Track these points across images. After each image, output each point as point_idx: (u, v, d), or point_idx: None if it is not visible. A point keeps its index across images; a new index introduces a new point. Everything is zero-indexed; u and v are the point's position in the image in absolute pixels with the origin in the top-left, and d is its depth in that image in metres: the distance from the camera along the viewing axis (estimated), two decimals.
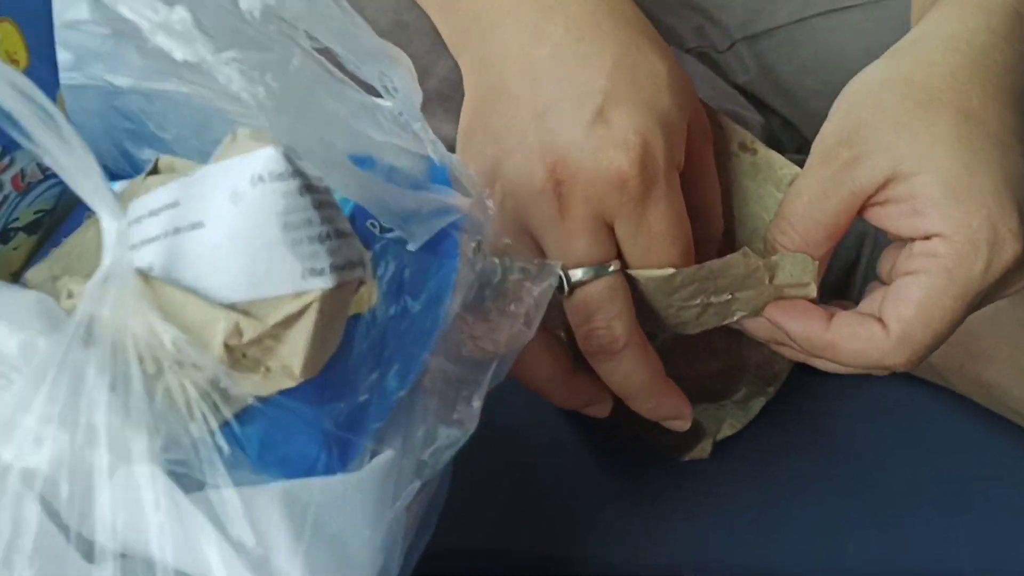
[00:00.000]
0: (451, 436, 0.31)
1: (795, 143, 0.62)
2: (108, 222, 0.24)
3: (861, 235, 0.55)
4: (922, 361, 0.40)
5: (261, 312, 0.26)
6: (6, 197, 0.32)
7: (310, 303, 0.26)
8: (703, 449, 0.52)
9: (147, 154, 0.42)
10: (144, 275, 0.25)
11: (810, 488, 0.52)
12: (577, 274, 0.40)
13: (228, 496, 0.25)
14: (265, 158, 0.26)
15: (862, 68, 0.58)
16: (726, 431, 0.53)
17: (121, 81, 0.36)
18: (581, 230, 0.39)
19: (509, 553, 0.50)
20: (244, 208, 0.26)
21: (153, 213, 0.27)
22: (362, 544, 0.26)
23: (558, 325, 0.49)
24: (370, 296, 0.32)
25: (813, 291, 0.43)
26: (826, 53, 0.60)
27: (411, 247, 0.31)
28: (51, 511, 0.24)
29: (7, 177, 0.32)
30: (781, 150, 0.63)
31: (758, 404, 0.54)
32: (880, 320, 0.40)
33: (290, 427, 0.28)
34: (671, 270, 0.41)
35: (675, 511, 0.51)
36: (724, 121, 0.46)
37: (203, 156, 0.28)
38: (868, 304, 0.42)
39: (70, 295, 0.26)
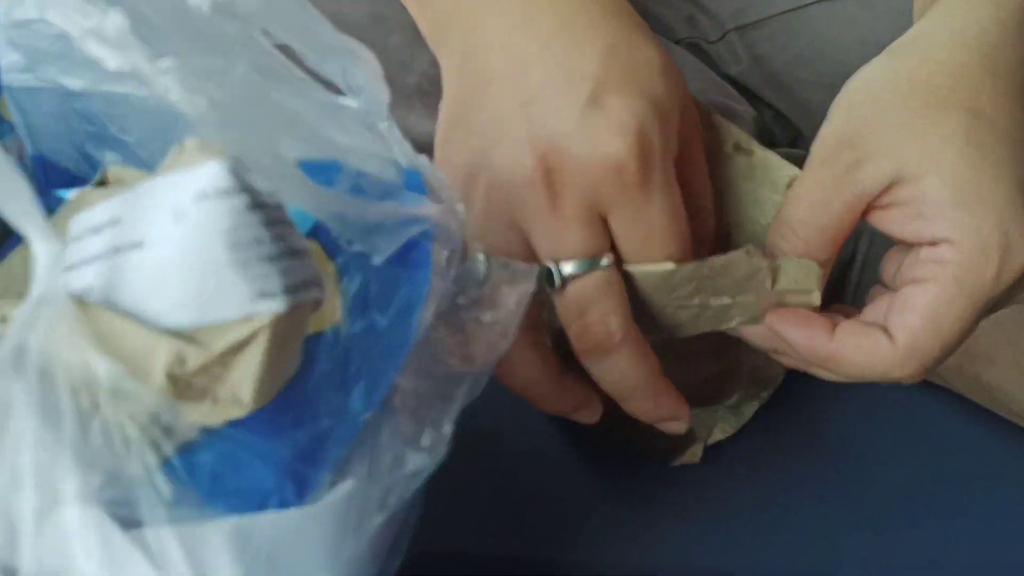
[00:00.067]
0: (420, 462, 0.29)
1: (788, 136, 0.61)
2: (38, 246, 0.22)
3: (857, 231, 0.53)
4: (930, 373, 0.39)
5: (207, 338, 0.24)
6: None
7: (260, 328, 0.25)
8: (694, 453, 0.51)
9: (110, 157, 0.40)
10: (80, 301, 0.23)
11: (804, 492, 0.51)
12: (569, 267, 0.38)
13: (170, 535, 0.23)
14: (209, 173, 0.24)
15: (857, 59, 0.56)
16: (718, 435, 0.52)
17: (74, 83, 0.34)
18: (574, 221, 0.38)
19: (494, 558, 0.49)
20: (188, 227, 0.24)
21: (94, 230, 0.25)
22: None
23: (545, 327, 0.48)
24: (333, 312, 0.30)
25: (816, 298, 0.41)
26: (820, 44, 0.58)
27: (376, 261, 0.29)
28: None
29: None
30: (774, 143, 0.62)
31: (751, 409, 0.53)
32: (886, 330, 0.39)
33: (243, 457, 0.26)
34: (670, 265, 0.39)
35: (665, 516, 0.50)
36: (717, 121, 0.44)
37: None
38: (872, 312, 0.41)
39: (4, 319, 0.25)
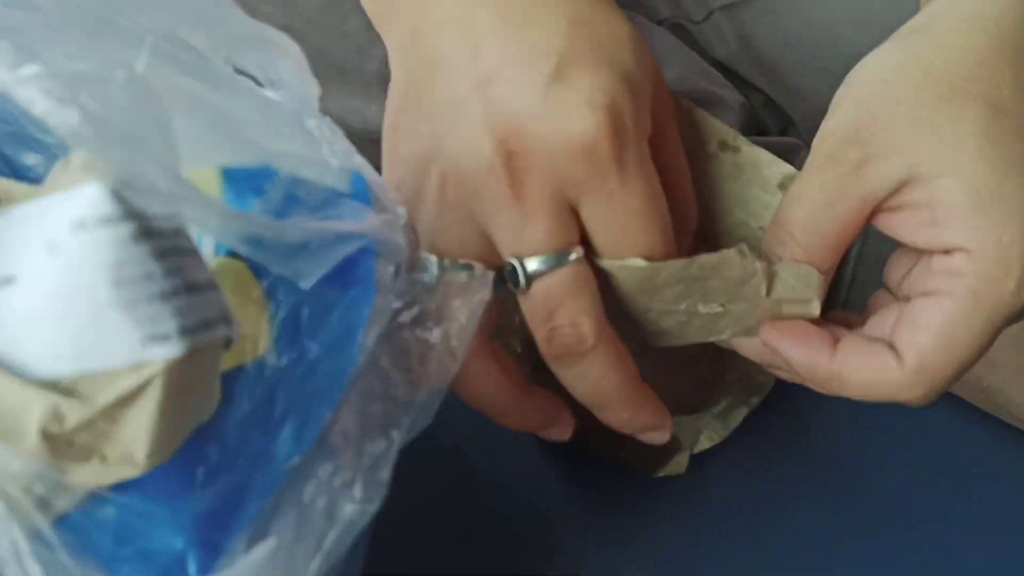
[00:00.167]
0: (357, 511, 0.26)
1: (779, 123, 0.57)
2: None
3: None
4: (940, 395, 0.36)
5: (89, 390, 0.21)
6: None
7: (152, 377, 0.21)
8: (679, 464, 0.48)
9: (31, 159, 0.37)
10: None
11: (797, 502, 0.48)
12: (535, 264, 0.35)
13: None
14: (87, 198, 0.20)
15: (853, 41, 0.53)
16: (704, 444, 0.49)
17: None
18: (539, 211, 0.34)
19: None
20: (63, 261, 0.20)
21: None
22: None
23: (512, 333, 0.44)
24: (257, 343, 0.26)
25: (816, 309, 0.38)
26: (813, 24, 0.54)
27: (303, 286, 0.26)
28: None
29: None
30: (764, 131, 0.59)
31: (739, 415, 0.50)
32: (893, 348, 0.35)
33: (143, 521, 0.23)
34: (656, 263, 0.36)
35: (648, 531, 0.47)
36: (699, 116, 0.41)
37: None
38: (878, 325, 0.37)
39: None
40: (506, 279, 0.35)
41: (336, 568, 0.27)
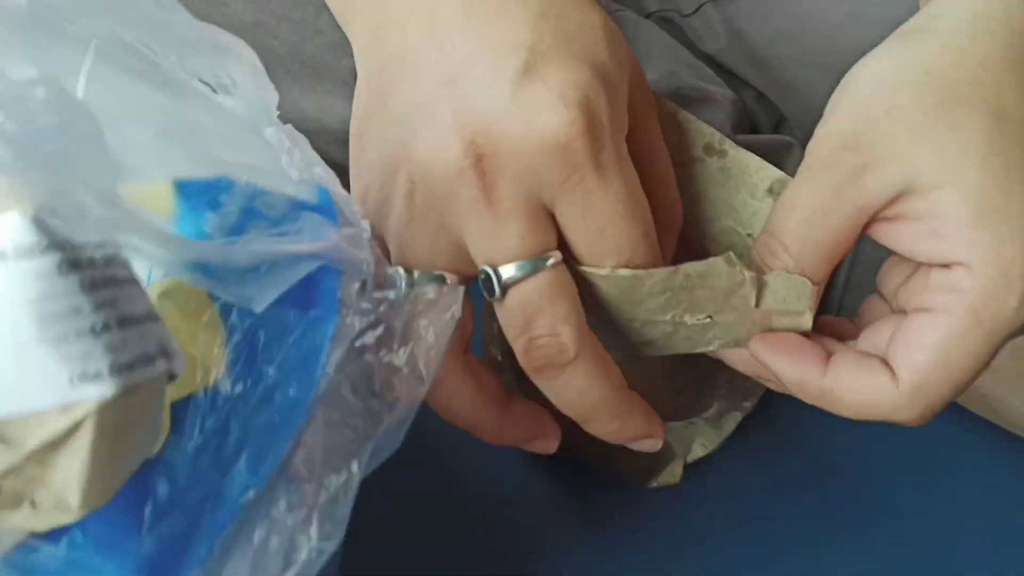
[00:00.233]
0: (313, 551, 0.24)
1: (772, 120, 0.55)
2: None
3: None
4: (936, 415, 0.35)
5: (16, 433, 0.19)
6: None
7: (83, 418, 0.20)
8: (673, 473, 0.47)
9: None
10: None
11: (797, 512, 0.47)
12: (510, 271, 0.33)
13: None
14: (6, 228, 0.19)
15: (847, 35, 0.52)
16: (698, 452, 0.48)
17: None
18: (512, 215, 0.32)
19: None
20: None
21: None
22: None
23: (492, 340, 0.43)
24: (207, 371, 0.25)
25: (808, 322, 0.36)
26: (805, 17, 0.53)
27: (256, 310, 0.24)
28: None
29: None
30: (756, 128, 0.57)
31: (733, 421, 0.49)
32: (888, 365, 0.34)
33: (88, 566, 0.21)
34: (640, 271, 0.34)
35: (643, 544, 0.46)
36: (684, 119, 0.39)
37: None
38: (872, 339, 0.36)
39: None
40: (482, 289, 0.34)
41: None
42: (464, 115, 0.32)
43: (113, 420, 0.20)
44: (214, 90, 0.26)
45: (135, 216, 0.20)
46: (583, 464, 0.46)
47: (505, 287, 0.33)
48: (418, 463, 0.45)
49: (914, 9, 0.39)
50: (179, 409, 0.24)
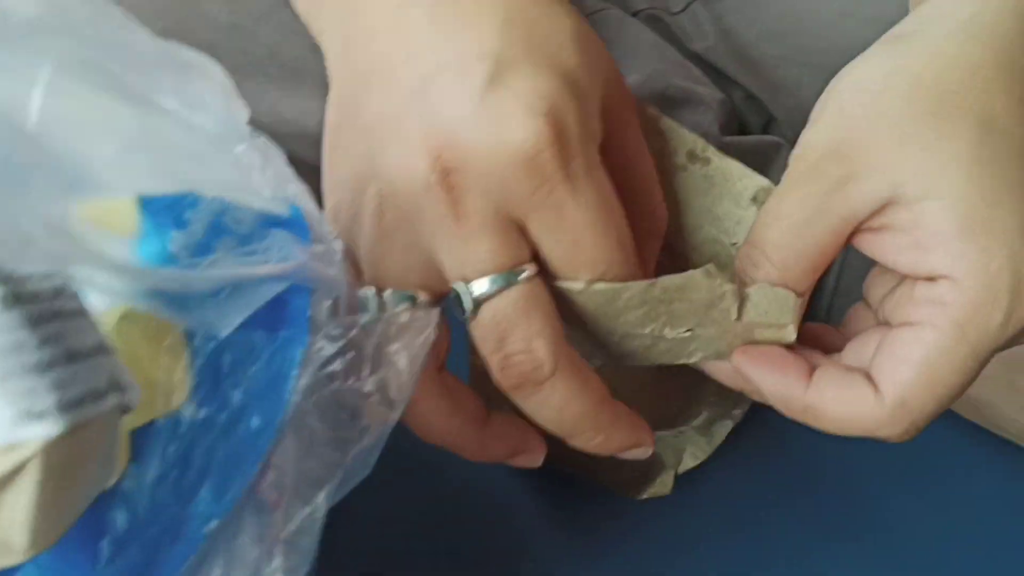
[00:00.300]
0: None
1: (761, 120, 0.55)
2: None
3: None
4: (921, 431, 0.34)
5: None
6: None
7: (28, 459, 0.19)
8: (663, 484, 0.46)
9: None
10: None
11: (789, 519, 0.46)
12: (483, 285, 0.32)
13: None
14: None
15: (837, 34, 0.51)
16: (689, 462, 0.47)
17: None
18: (481, 229, 0.31)
19: None
20: None
21: None
22: None
23: (475, 349, 0.42)
24: (169, 396, 0.24)
25: (791, 335, 0.35)
26: (795, 15, 0.52)
27: (221, 335, 0.23)
28: None
29: None
30: (745, 128, 0.56)
31: (723, 429, 0.48)
32: (871, 379, 0.33)
33: None
34: (616, 284, 0.33)
35: (634, 557, 0.45)
36: (667, 126, 0.38)
37: None
38: (857, 351, 0.35)
39: None
40: (453, 308, 0.33)
41: None
42: (430, 128, 0.31)
43: (61, 458, 0.19)
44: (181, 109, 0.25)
45: (85, 245, 0.20)
46: (570, 477, 0.45)
47: (477, 303, 0.32)
48: (405, 473, 0.44)
49: (906, 7, 0.38)
50: (139, 436, 0.23)
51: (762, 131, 0.54)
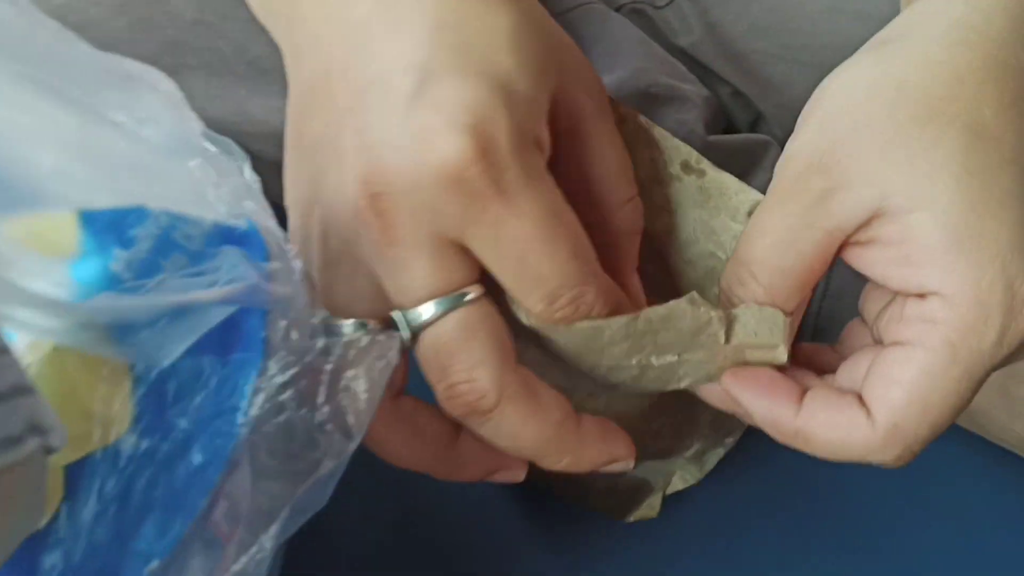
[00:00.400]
0: None
1: (748, 117, 0.53)
2: None
3: None
4: (916, 456, 0.32)
5: None
6: None
7: None
8: (650, 507, 0.44)
9: None
10: None
11: (782, 541, 0.45)
12: (428, 310, 0.30)
13: None
14: None
15: (826, 29, 0.50)
16: (677, 484, 0.45)
17: None
18: (416, 254, 0.30)
19: None
20: None
21: None
22: None
23: None
24: (107, 428, 0.23)
25: (783, 355, 0.34)
26: (783, 10, 0.50)
27: (163, 364, 0.22)
28: None
29: None
30: (732, 126, 0.55)
31: (715, 458, 0.46)
32: (863, 403, 0.32)
33: None
34: (598, 321, 0.32)
35: (620, 570, 0.44)
36: (660, 135, 0.36)
37: None
38: (850, 372, 0.33)
39: None
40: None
41: None
42: (360, 149, 0.29)
43: None
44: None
45: (3, 274, 0.18)
46: (554, 498, 0.44)
47: (416, 331, 0.30)
48: (384, 488, 0.43)
49: (895, 3, 0.37)
50: (74, 472, 0.22)
51: (750, 129, 0.53)
